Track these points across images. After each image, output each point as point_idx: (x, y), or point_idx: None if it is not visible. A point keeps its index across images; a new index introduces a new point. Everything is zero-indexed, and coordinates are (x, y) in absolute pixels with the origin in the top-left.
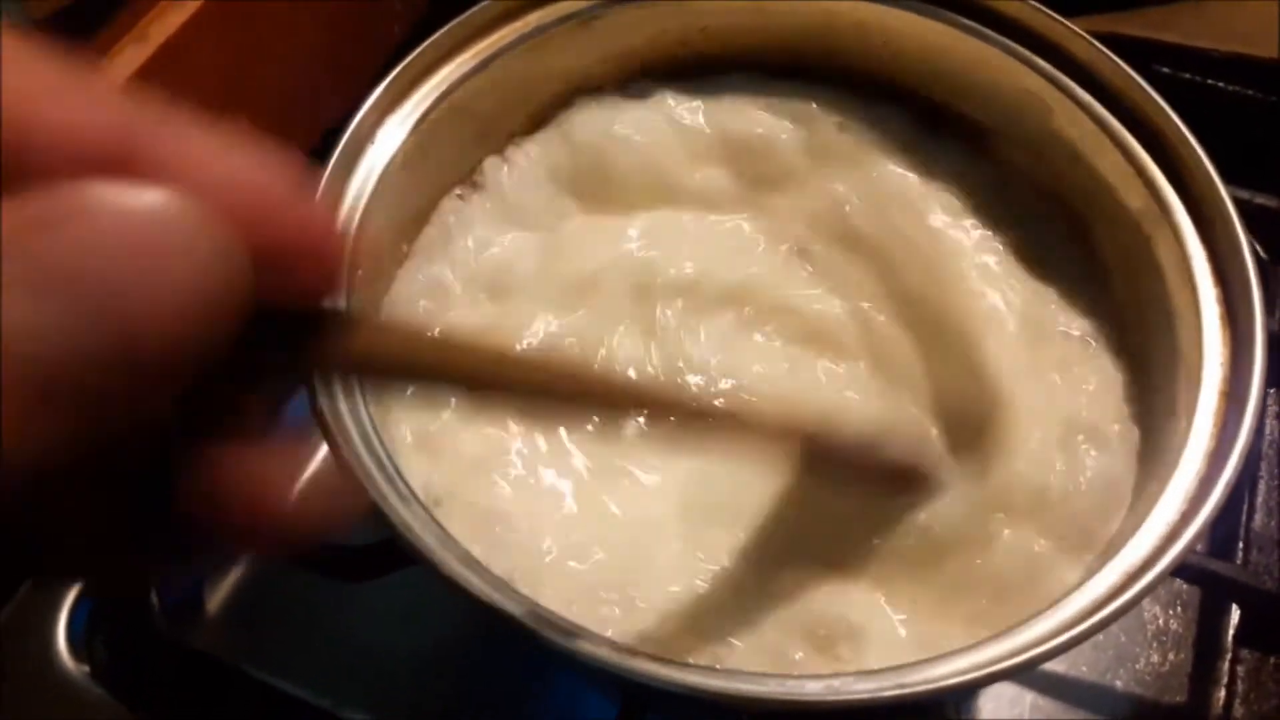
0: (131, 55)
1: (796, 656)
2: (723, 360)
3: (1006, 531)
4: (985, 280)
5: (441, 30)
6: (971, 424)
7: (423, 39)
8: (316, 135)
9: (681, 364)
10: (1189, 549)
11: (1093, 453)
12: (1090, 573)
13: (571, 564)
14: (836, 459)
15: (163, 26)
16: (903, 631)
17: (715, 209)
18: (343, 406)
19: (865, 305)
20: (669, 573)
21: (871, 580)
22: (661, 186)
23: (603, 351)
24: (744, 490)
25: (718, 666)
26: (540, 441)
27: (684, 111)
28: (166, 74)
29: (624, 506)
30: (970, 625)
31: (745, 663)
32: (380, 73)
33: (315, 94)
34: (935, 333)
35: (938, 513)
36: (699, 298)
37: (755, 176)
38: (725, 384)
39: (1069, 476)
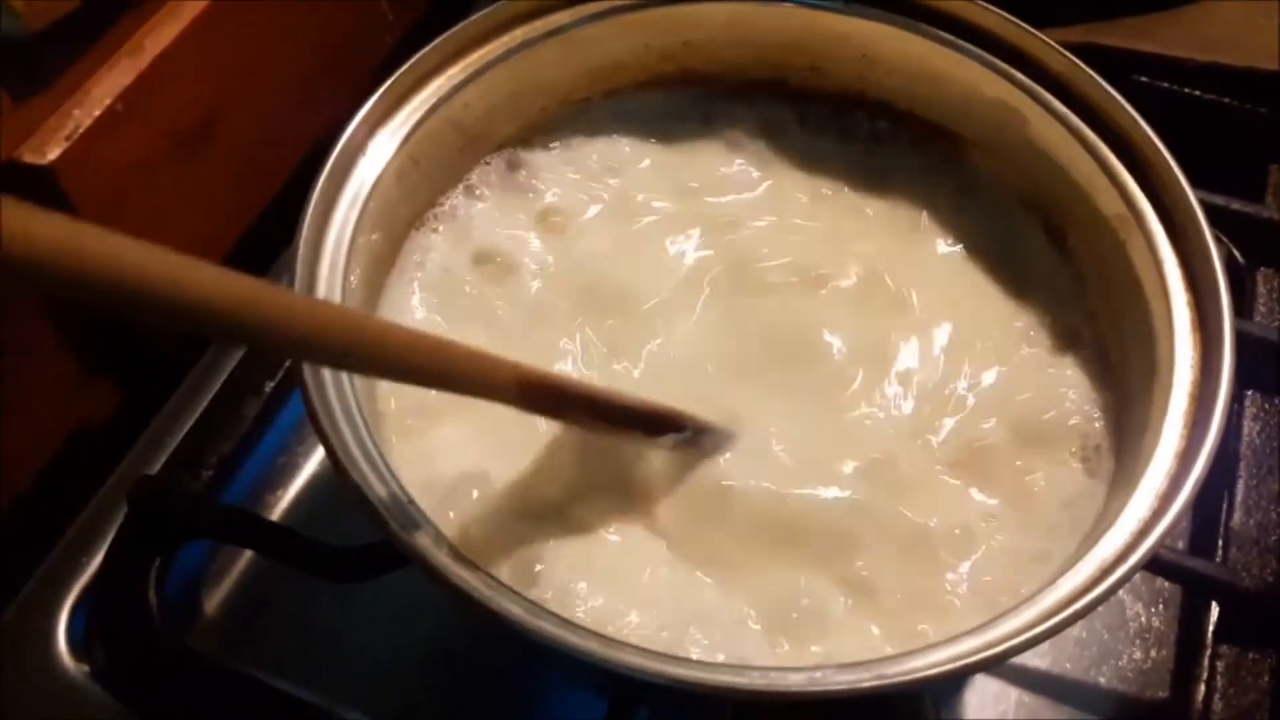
0: (127, 66)
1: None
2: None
3: None
4: (955, 285)
5: (431, 44)
6: None
7: (414, 49)
8: (309, 143)
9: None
10: (1159, 544)
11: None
12: (1065, 568)
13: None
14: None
15: (158, 38)
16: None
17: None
18: (335, 406)
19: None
20: None
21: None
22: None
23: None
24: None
25: (700, 659)
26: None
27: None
28: (162, 85)
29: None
30: None
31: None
32: (373, 82)
33: (309, 103)
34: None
35: None
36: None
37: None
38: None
39: None
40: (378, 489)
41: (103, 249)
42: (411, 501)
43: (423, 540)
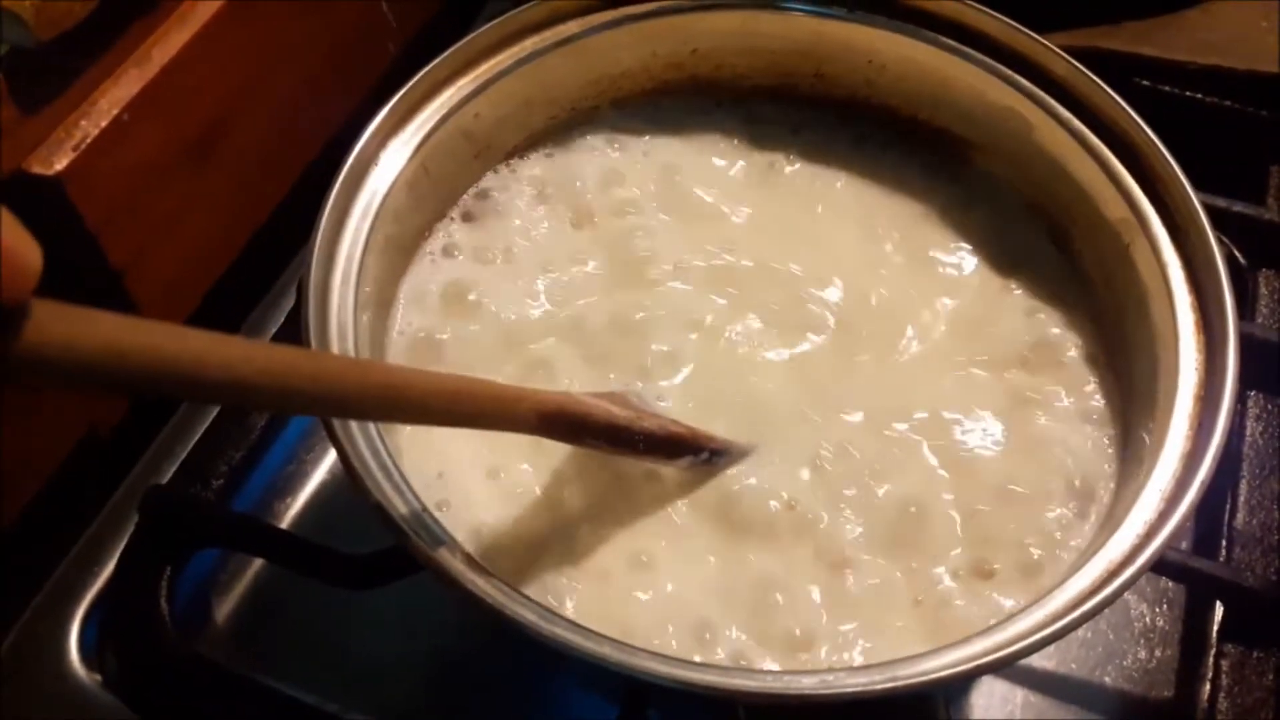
0: (135, 76)
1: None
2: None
3: None
4: (960, 290)
5: (442, 55)
6: None
7: (418, 54)
8: (314, 150)
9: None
10: (1166, 545)
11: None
12: (1074, 569)
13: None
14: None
15: (165, 48)
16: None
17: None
18: None
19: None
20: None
21: None
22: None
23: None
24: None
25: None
26: None
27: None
28: (169, 94)
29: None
30: None
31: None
32: (377, 89)
33: (313, 109)
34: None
35: None
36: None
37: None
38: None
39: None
40: (391, 495)
41: (135, 340)
42: (425, 508)
43: (436, 546)
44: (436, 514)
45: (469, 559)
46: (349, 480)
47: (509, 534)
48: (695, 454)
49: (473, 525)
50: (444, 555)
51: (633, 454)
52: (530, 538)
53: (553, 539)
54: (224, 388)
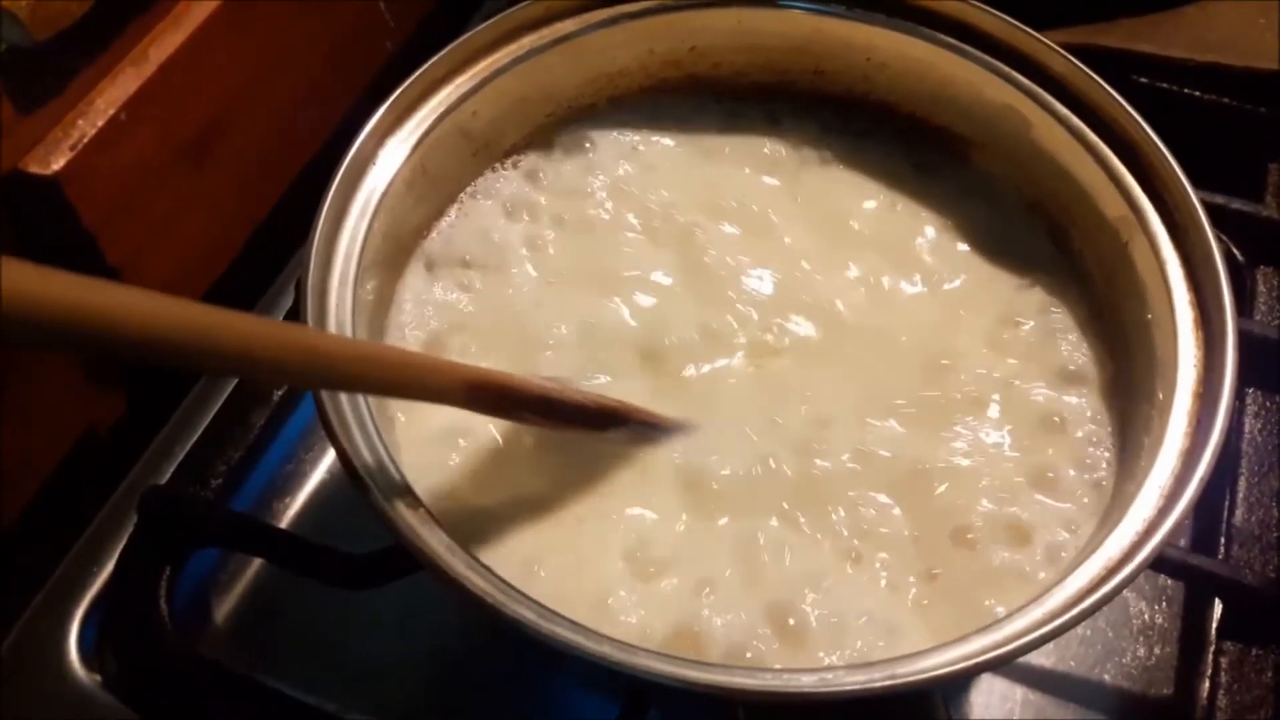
0: (132, 75)
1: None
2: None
3: None
4: (959, 287)
5: (439, 54)
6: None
7: (414, 53)
8: (312, 149)
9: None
10: (1165, 542)
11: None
12: (1072, 567)
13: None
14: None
15: (162, 47)
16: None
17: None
18: (347, 412)
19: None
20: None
21: None
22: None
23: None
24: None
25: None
26: None
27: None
28: (165, 94)
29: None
30: None
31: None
32: (374, 88)
33: (311, 108)
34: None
35: None
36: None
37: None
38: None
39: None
40: (389, 494)
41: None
42: (423, 506)
43: (435, 544)
44: (435, 511)
45: (468, 557)
46: (348, 479)
47: (506, 529)
48: (624, 425)
49: (470, 521)
50: (443, 554)
51: (564, 425)
52: (526, 531)
53: (548, 531)
54: (152, 343)
